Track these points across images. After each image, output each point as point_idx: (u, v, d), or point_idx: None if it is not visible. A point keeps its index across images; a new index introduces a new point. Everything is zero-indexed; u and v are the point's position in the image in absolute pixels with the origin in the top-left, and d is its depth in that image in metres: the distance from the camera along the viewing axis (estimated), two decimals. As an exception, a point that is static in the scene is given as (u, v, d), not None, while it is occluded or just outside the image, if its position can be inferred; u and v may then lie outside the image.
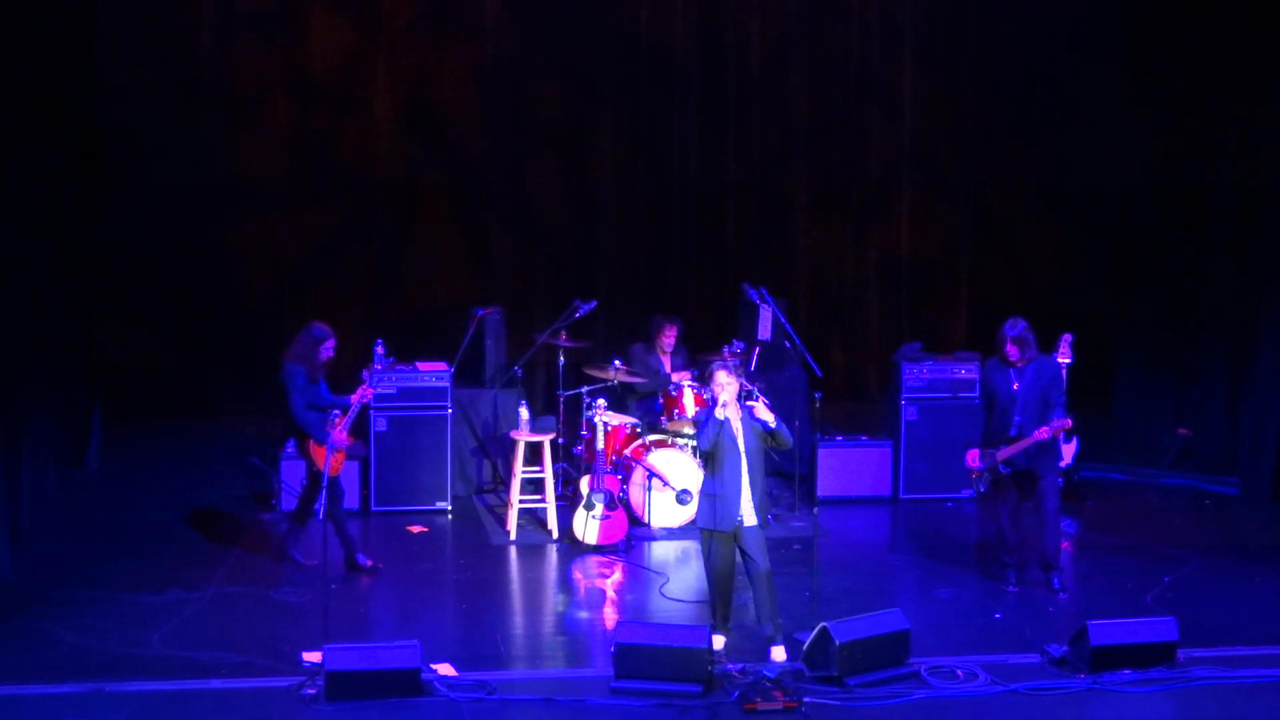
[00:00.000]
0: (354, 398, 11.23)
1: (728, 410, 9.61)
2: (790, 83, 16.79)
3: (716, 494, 9.62)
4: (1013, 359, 10.83)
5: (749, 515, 9.61)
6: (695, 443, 12.74)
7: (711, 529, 9.66)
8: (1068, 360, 12.55)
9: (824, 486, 13.29)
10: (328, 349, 11.30)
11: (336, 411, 11.21)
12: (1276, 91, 13.55)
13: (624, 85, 16.42)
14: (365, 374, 11.50)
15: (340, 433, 11.18)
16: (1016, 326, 10.87)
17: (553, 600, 11.36)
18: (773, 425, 9.62)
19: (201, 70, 15.92)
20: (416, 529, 12.39)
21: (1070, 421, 10.74)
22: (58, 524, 12.48)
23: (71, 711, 8.61)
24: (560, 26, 16.23)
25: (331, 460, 11.18)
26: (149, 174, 15.77)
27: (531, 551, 12.21)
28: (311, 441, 11.19)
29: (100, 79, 14.94)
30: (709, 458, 9.68)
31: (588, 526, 12.07)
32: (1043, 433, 10.67)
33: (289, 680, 9.04)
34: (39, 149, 12.88)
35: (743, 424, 9.64)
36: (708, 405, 9.79)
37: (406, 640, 9.15)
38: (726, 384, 9.62)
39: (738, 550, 9.67)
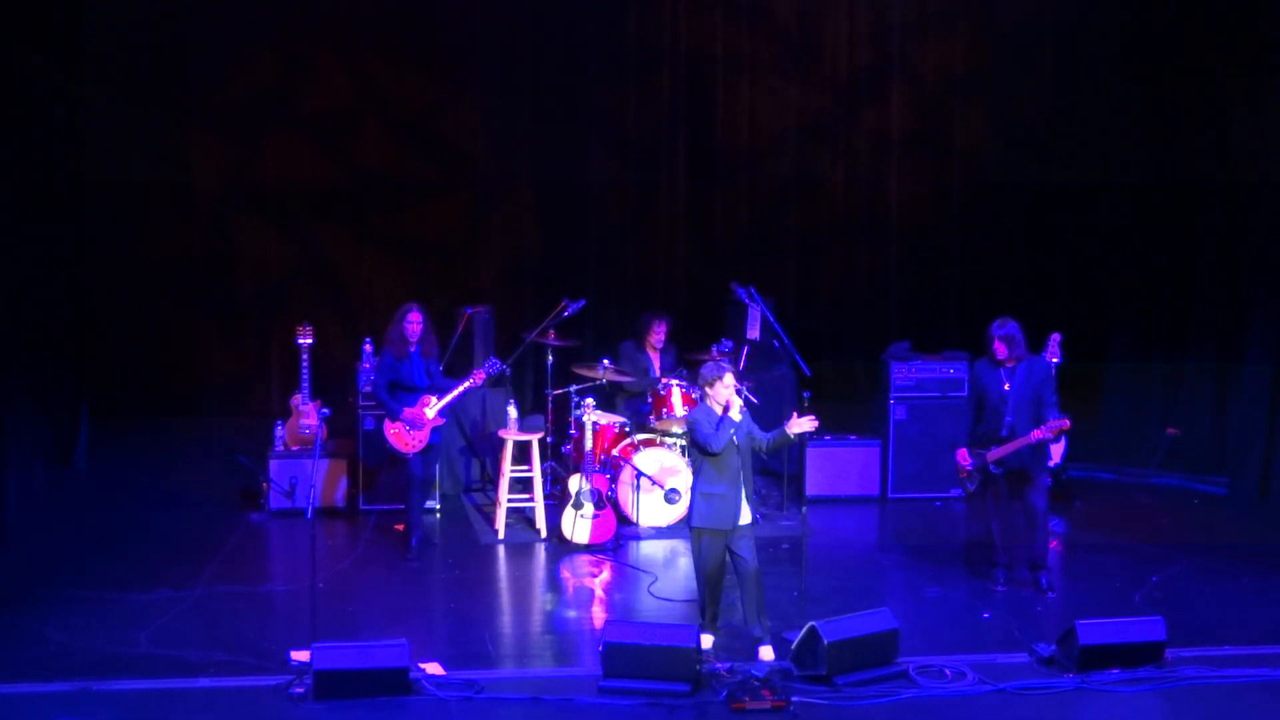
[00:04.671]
0: (466, 381, 11.68)
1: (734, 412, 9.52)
2: (779, 80, 16.78)
3: (719, 494, 9.53)
4: (1000, 357, 10.82)
5: (746, 514, 9.59)
6: (684, 441, 12.78)
7: (708, 528, 9.58)
8: (1056, 360, 12.58)
9: (812, 486, 13.26)
10: (409, 323, 11.69)
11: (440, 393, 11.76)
12: (1265, 94, 13.57)
13: (612, 82, 16.40)
14: (492, 360, 11.96)
15: (412, 410, 11.59)
16: (1005, 326, 10.86)
17: (541, 599, 11.36)
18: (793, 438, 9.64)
19: (189, 70, 15.89)
20: (403, 527, 12.37)
21: (1069, 422, 10.70)
22: (45, 522, 12.47)
23: (59, 710, 8.59)
24: (548, 24, 16.21)
25: (404, 436, 11.48)
26: (137, 173, 15.76)
27: (520, 550, 12.20)
28: (386, 418, 11.66)
29: (88, 77, 14.90)
30: (704, 457, 9.58)
31: (576, 525, 12.06)
32: (1040, 433, 10.66)
33: (277, 679, 9.03)
34: (26, 147, 12.86)
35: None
36: (723, 408, 9.56)
37: (394, 639, 9.13)
38: (730, 385, 9.56)
39: (726, 550, 9.65)
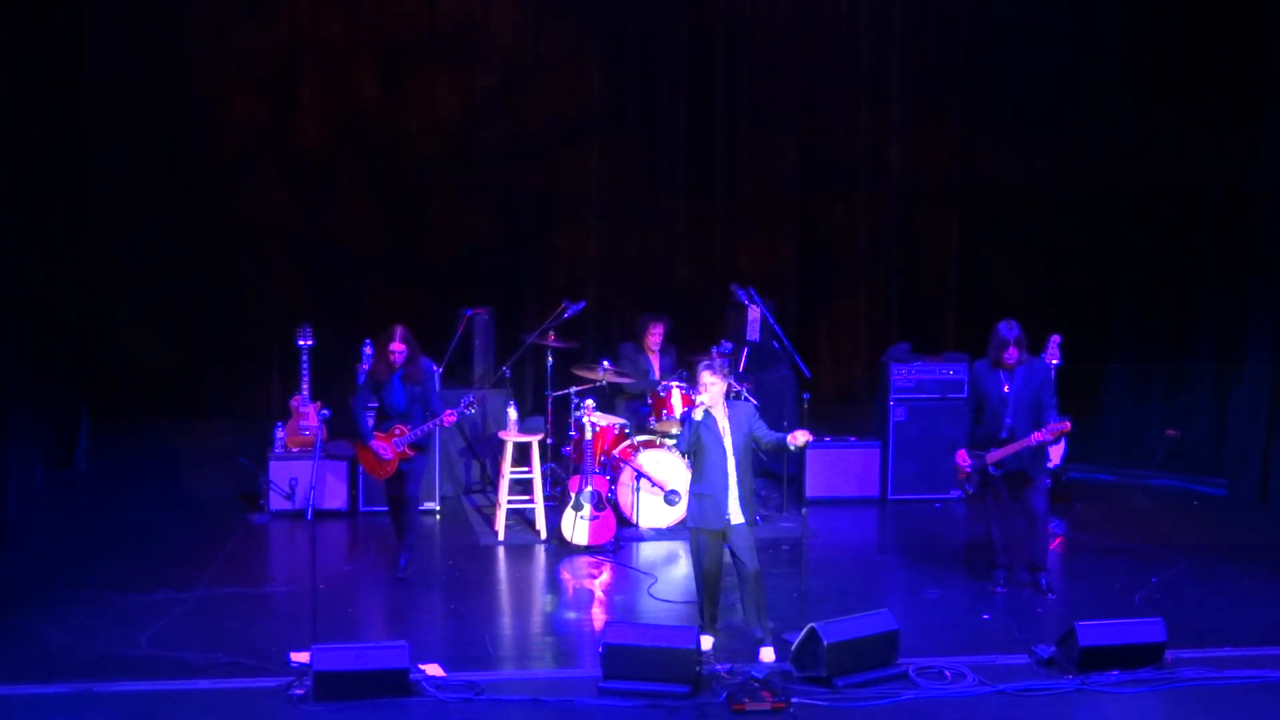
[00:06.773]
0: (434, 422, 11.29)
1: (714, 410, 9.61)
2: (779, 83, 16.76)
3: (704, 493, 9.63)
4: (1010, 362, 10.79)
5: (735, 513, 9.60)
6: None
7: (700, 528, 9.67)
8: (1056, 361, 12.58)
9: (812, 487, 13.26)
10: (393, 353, 11.34)
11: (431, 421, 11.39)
12: (1265, 96, 13.57)
13: (613, 85, 16.39)
14: (467, 399, 11.61)
15: (383, 439, 11.25)
16: (1014, 329, 10.83)
17: (541, 601, 11.36)
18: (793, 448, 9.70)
19: (192, 70, 15.89)
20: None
21: (1069, 424, 10.70)
22: (45, 523, 12.48)
23: (59, 711, 8.59)
24: (549, 26, 16.21)
25: (372, 463, 11.32)
26: (137, 174, 15.75)
27: (520, 552, 12.21)
28: (358, 440, 11.43)
29: (90, 75, 14.93)
30: (693, 457, 9.69)
31: (576, 527, 12.06)
32: (1040, 436, 10.65)
33: (277, 680, 9.03)
34: (27, 148, 12.86)
35: (730, 422, 9.64)
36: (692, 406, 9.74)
37: (395, 641, 9.15)
38: (710, 384, 9.63)
39: (727, 551, 9.67)
